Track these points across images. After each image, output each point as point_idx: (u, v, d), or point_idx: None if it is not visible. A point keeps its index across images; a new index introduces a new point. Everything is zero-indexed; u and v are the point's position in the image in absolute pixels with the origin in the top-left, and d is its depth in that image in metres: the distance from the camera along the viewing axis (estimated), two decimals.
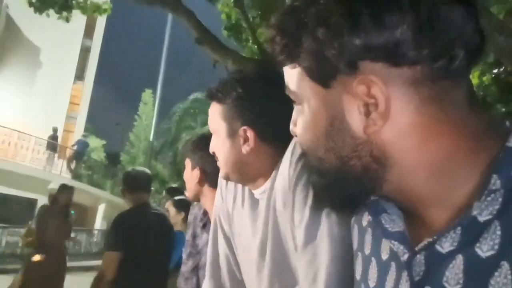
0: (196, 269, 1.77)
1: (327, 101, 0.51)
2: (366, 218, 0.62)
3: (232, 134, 0.99)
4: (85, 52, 19.81)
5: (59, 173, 15.71)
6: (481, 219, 0.43)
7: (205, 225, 1.78)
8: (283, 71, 0.60)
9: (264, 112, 0.97)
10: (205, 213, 1.79)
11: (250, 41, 4.74)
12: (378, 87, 0.47)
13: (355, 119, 0.49)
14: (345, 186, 0.53)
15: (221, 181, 1.11)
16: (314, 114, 0.53)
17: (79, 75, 19.42)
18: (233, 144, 0.98)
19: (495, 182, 0.44)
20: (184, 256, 1.88)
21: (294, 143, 0.88)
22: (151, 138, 25.12)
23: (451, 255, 0.45)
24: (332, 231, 0.78)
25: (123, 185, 2.71)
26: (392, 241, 0.52)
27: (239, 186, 1.06)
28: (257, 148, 0.96)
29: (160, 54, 20.06)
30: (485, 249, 0.42)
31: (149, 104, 35.53)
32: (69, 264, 5.09)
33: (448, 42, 0.46)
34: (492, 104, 4.81)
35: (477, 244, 0.43)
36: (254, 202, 1.00)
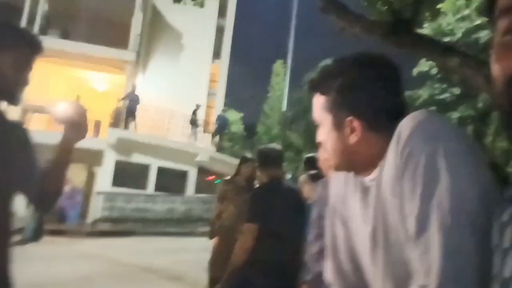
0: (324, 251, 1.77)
1: None
2: (508, 212, 0.59)
3: (338, 125, 0.97)
4: (220, 31, 20.92)
5: (205, 146, 17.20)
6: None
7: None
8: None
9: (370, 100, 0.95)
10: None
11: (380, 2, 4.44)
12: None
13: None
14: None
15: None
16: None
17: (216, 54, 20.65)
18: (340, 135, 0.97)
19: None
20: (311, 236, 1.88)
21: (399, 129, 0.86)
22: (283, 108, 25.70)
23: None
24: (445, 221, 0.74)
25: (257, 161, 2.86)
26: None
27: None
28: (365, 138, 0.95)
29: (289, 24, 20.13)
30: None
31: (281, 75, 36.21)
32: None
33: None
34: None
35: None
36: (365, 188, 0.99)
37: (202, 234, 12.80)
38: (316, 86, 1.02)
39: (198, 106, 16.95)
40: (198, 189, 16.71)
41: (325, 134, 1.00)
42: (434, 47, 3.76)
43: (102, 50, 15.80)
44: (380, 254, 0.92)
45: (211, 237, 4.19)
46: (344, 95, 0.97)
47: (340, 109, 0.97)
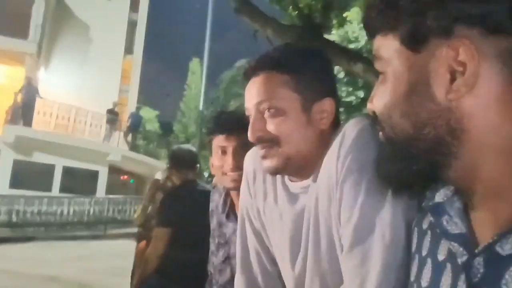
0: (228, 260, 1.67)
1: (414, 65, 0.51)
2: (427, 220, 0.60)
3: (308, 108, 0.85)
4: (132, 26, 20.16)
5: (117, 145, 16.47)
6: None
7: (228, 215, 1.66)
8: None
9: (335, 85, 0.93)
10: (225, 201, 1.68)
11: (291, 7, 4.57)
12: (470, 51, 0.45)
13: (438, 84, 0.48)
14: (414, 158, 0.52)
15: (247, 176, 1.03)
16: (397, 78, 0.52)
17: (128, 49, 19.87)
18: (309, 120, 0.85)
19: None
20: (213, 246, 1.80)
21: (343, 133, 0.80)
22: (200, 107, 25.56)
23: (510, 257, 0.43)
24: (385, 236, 0.72)
25: (169, 163, 2.78)
26: (452, 243, 0.51)
27: (269, 181, 0.98)
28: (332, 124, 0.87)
29: (205, 22, 20.04)
30: None
31: (197, 73, 35.96)
32: (131, 230, 5.33)
33: None
34: None
35: None
36: (292, 197, 0.92)
37: (114, 237, 12.26)
38: (276, 64, 0.86)
39: (114, 104, 16.10)
40: (110, 190, 15.96)
41: (285, 122, 0.85)
42: (341, 53, 3.97)
43: None
44: (308, 262, 0.88)
45: (138, 241, 3.96)
46: (321, 74, 0.89)
47: (312, 89, 0.86)
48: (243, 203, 1.08)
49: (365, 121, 0.79)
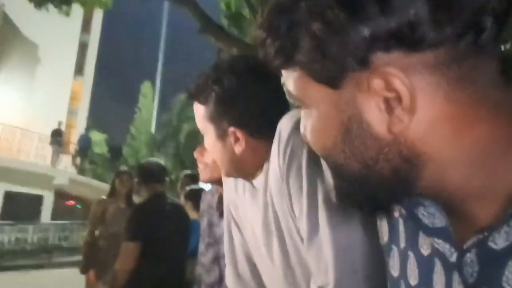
0: (217, 260, 1.68)
1: (339, 103, 0.44)
2: (397, 209, 0.54)
3: (221, 135, 0.94)
4: (83, 47, 19.73)
5: (64, 168, 15.77)
6: None
7: (222, 213, 1.73)
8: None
9: (249, 108, 0.92)
10: (221, 200, 1.74)
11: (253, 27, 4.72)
12: (398, 78, 0.40)
13: (376, 119, 0.42)
14: (374, 191, 0.47)
15: None
16: (325, 119, 0.46)
17: (79, 71, 19.37)
18: (225, 145, 0.94)
19: None
20: (202, 246, 1.78)
21: (279, 130, 0.85)
22: (152, 130, 25.14)
23: (508, 251, 0.40)
24: (332, 220, 0.75)
25: (137, 177, 2.73)
26: (436, 239, 0.46)
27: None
28: (250, 145, 0.93)
29: (158, 45, 19.97)
30: None
31: (149, 97, 35.47)
32: (78, 257, 5.07)
33: (473, 12, 0.39)
34: None
35: None
36: (254, 193, 0.98)
37: (61, 265, 11.58)
38: (194, 96, 0.97)
39: (60, 124, 15.39)
40: (56, 215, 15.16)
41: (210, 143, 0.97)
42: None
43: None
44: (277, 258, 0.91)
45: (83, 271, 3.73)
46: (223, 106, 0.93)
47: (221, 120, 0.94)
48: (226, 195, 1.12)
49: (297, 114, 0.81)
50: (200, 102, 0.96)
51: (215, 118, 0.94)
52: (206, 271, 1.74)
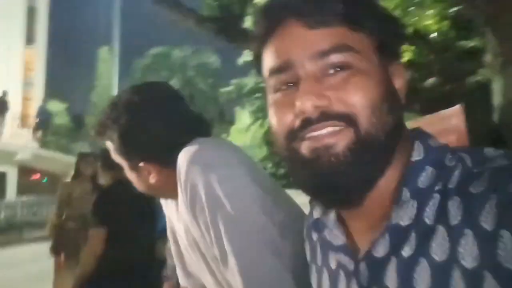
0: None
1: (383, 72, 0.54)
2: (314, 234, 0.65)
3: (134, 168, 0.98)
4: (31, 13, 18.59)
5: (25, 143, 15.29)
6: (403, 224, 0.48)
7: None
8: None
9: (152, 143, 0.95)
10: None
11: None
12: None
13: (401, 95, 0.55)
14: (375, 161, 0.51)
15: None
16: (373, 77, 0.52)
17: (30, 38, 18.34)
18: (140, 176, 0.98)
19: (406, 194, 0.49)
20: (168, 231, 1.89)
21: (178, 167, 0.88)
22: None
23: (386, 258, 0.49)
24: (235, 246, 0.81)
25: (100, 162, 2.73)
26: (338, 254, 0.56)
27: None
28: (164, 175, 0.95)
29: (113, 7, 19.06)
30: (407, 250, 0.48)
31: (108, 62, 34.23)
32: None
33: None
34: (453, 43, 4.95)
35: (403, 247, 0.48)
36: (177, 210, 1.01)
37: (31, 241, 11.48)
38: (99, 134, 1.00)
39: (4, 93, 14.47)
40: (21, 191, 14.83)
41: (127, 173, 1.01)
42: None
43: None
44: (206, 274, 0.98)
45: (54, 253, 3.74)
46: (126, 143, 0.96)
47: (129, 156, 0.97)
48: (163, 204, 1.17)
49: (192, 148, 0.88)
50: (106, 139, 0.99)
51: (123, 154, 0.97)
52: (169, 254, 1.81)
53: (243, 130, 26.99)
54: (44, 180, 17.19)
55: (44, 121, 15.97)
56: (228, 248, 0.81)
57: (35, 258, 3.71)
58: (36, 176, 15.99)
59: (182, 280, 1.14)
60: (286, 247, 0.82)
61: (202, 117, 1.04)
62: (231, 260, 0.81)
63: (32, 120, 15.95)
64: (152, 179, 0.96)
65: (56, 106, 31.18)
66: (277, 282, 0.80)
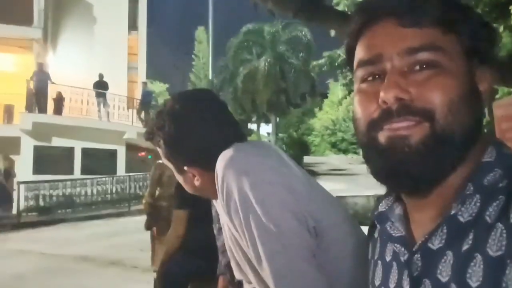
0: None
1: (467, 72, 0.55)
2: (376, 230, 0.68)
3: (180, 171, 1.05)
4: (133, 1, 19.88)
5: (131, 123, 16.63)
6: (463, 220, 0.49)
7: None
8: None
9: (195, 149, 1.00)
10: None
11: None
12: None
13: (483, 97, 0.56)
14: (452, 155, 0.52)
15: None
16: (458, 77, 0.53)
17: (132, 25, 19.68)
18: (186, 178, 1.06)
19: (469, 188, 0.50)
20: (215, 231, 1.91)
21: (216, 172, 0.92)
22: (210, 76, 25.41)
23: (441, 251, 0.51)
24: (267, 250, 0.84)
25: None
26: (395, 244, 0.58)
27: None
28: (207, 178, 1.00)
29: None
30: (464, 244, 0.48)
31: (204, 42, 35.53)
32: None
33: None
34: None
35: (460, 241, 0.49)
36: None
37: (138, 213, 12.63)
38: (148, 139, 1.09)
39: (101, 76, 15.56)
40: (129, 167, 16.27)
41: (176, 175, 1.09)
42: (343, 21, 3.91)
43: (4, 29, 14.40)
44: (248, 269, 1.01)
45: (147, 228, 4.05)
46: (171, 149, 1.03)
47: (174, 161, 1.04)
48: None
49: (228, 153, 0.92)
50: (154, 145, 1.08)
51: (169, 158, 1.05)
52: (221, 253, 1.84)
53: (336, 103, 26.48)
54: (149, 157, 18.62)
55: (146, 102, 17.17)
56: (261, 251, 0.84)
57: (143, 228, 4.07)
58: (142, 154, 17.35)
59: (237, 274, 1.17)
60: (323, 251, 0.84)
61: (238, 123, 1.11)
62: (264, 263, 0.84)
63: (137, 101, 17.23)
64: (197, 182, 1.03)
65: (158, 87, 33.39)
66: (306, 279, 0.81)
